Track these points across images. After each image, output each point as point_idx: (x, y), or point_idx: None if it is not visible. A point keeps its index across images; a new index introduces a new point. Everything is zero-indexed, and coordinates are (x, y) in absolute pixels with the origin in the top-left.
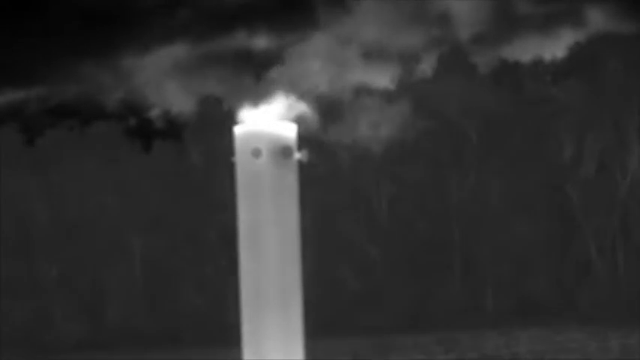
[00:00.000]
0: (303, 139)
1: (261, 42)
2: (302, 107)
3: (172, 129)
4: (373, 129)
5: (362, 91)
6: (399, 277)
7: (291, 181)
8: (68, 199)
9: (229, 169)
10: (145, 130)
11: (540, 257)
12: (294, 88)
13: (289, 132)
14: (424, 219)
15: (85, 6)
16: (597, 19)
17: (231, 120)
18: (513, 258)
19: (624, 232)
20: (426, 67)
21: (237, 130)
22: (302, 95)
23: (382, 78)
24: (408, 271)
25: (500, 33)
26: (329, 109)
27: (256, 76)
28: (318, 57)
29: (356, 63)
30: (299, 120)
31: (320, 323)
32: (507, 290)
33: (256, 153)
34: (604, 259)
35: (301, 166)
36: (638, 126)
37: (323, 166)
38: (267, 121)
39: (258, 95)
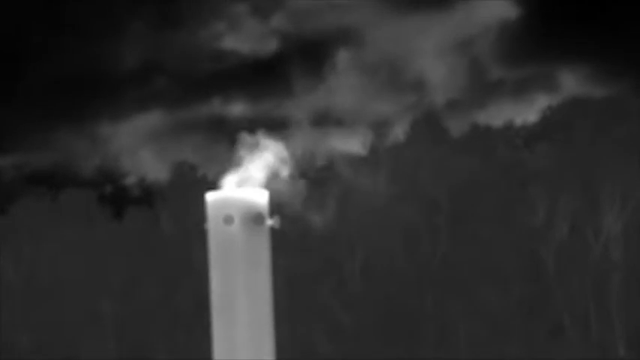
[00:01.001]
0: (276, 206)
1: (236, 109)
2: (275, 174)
3: (146, 195)
4: (345, 195)
5: (335, 158)
6: (371, 343)
7: (263, 248)
8: (40, 266)
9: (202, 235)
10: (118, 197)
11: (513, 321)
12: (268, 155)
13: (261, 199)
14: (396, 285)
15: (61, 74)
16: (569, 84)
17: (204, 186)
18: (486, 323)
19: (597, 296)
20: (399, 132)
21: (210, 196)
22: (275, 162)
23: (354, 145)
24: (380, 336)
25: (474, 98)
26: (302, 176)
27: (230, 143)
28: (292, 124)
29: (329, 130)
30: (271, 187)
31: None
32: (481, 355)
33: (228, 220)
34: (577, 322)
35: (273, 232)
36: (610, 189)
37: (295, 232)
38: (240, 188)
39: (231, 162)
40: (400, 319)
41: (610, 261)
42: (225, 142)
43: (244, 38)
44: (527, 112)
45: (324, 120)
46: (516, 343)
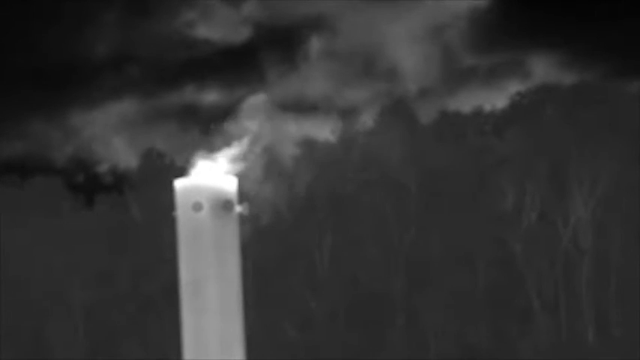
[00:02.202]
0: (245, 193)
1: (209, 97)
2: (244, 161)
3: (117, 183)
4: (314, 181)
5: (304, 144)
6: (340, 329)
7: (232, 234)
8: (10, 253)
9: (172, 222)
10: (89, 185)
11: (482, 307)
12: (238, 142)
13: (230, 186)
14: (365, 271)
15: (33, 63)
16: (539, 71)
17: (173, 174)
18: (456, 308)
19: (566, 281)
20: (369, 119)
21: (178, 184)
22: (245, 149)
23: (325, 131)
24: (349, 322)
25: (445, 85)
26: (271, 162)
27: (201, 131)
28: (263, 112)
29: (301, 117)
30: (241, 173)
31: None
32: (450, 340)
33: (197, 207)
34: (546, 308)
35: (242, 219)
36: (579, 175)
37: (264, 218)
38: (208, 175)
39: (201, 149)
40: (369, 304)
41: (579, 247)
42: (196, 130)
43: (216, 26)
44: (498, 99)
45: (296, 107)
46: (485, 328)
